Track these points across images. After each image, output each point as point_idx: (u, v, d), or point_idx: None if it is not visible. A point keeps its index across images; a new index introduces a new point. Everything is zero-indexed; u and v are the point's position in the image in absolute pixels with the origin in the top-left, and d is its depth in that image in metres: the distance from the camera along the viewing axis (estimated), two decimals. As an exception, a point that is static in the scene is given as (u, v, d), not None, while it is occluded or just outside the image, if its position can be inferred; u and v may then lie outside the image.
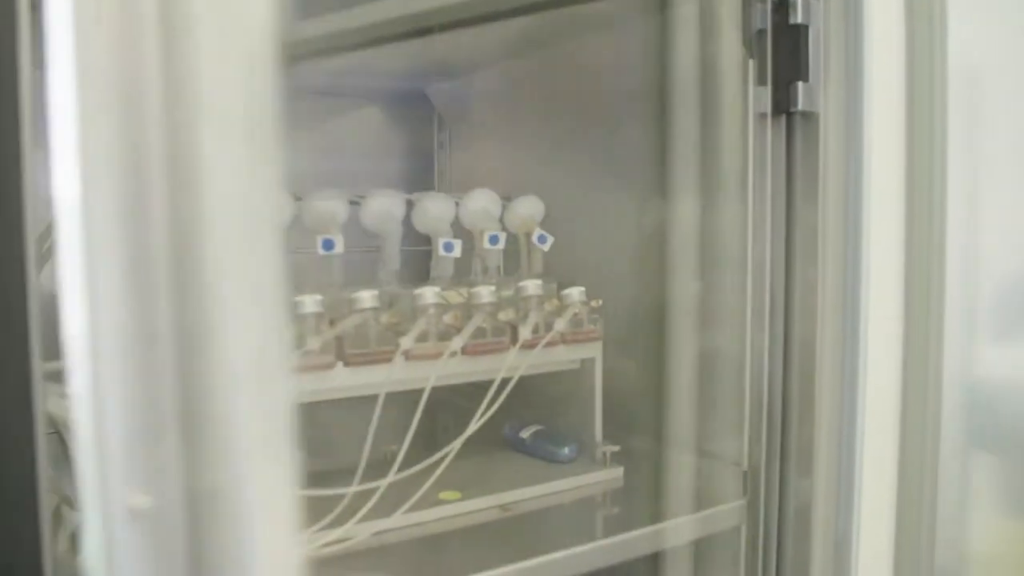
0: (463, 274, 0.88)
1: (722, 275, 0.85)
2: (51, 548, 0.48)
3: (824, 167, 0.76)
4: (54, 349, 0.77)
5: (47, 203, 0.41)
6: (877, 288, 0.75)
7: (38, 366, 0.47)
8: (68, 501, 0.70)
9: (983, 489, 0.84)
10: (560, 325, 0.83)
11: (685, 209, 0.90)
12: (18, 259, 0.46)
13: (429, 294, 0.77)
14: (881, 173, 0.74)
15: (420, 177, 1.37)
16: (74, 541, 0.71)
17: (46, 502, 0.48)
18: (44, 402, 0.48)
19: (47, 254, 0.76)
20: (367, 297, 0.74)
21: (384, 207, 0.82)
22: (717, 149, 0.84)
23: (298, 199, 0.78)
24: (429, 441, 0.76)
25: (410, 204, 0.85)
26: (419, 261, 1.06)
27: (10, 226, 0.45)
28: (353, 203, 0.82)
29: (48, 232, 0.75)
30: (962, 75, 0.77)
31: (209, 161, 0.41)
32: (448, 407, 1.19)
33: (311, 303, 0.71)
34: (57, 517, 0.73)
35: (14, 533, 0.46)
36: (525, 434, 0.94)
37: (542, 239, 0.89)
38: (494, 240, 0.85)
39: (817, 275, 0.77)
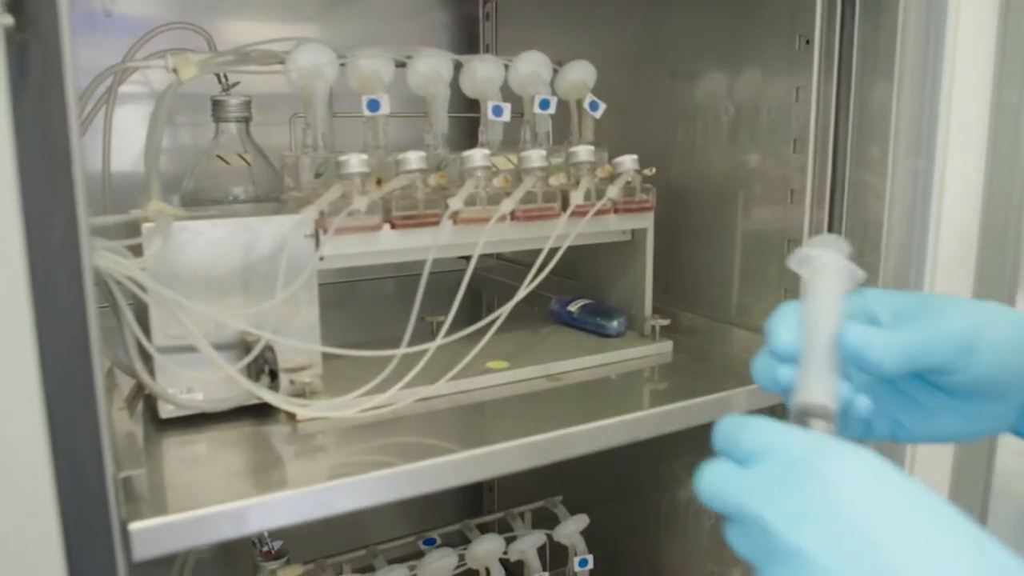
0: (512, 142, 0.85)
1: (782, 150, 0.81)
2: (107, 411, 0.49)
3: (902, 36, 0.71)
4: (100, 203, 0.76)
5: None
6: (953, 175, 0.70)
7: (85, 219, 0.46)
8: (120, 365, 0.71)
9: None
10: (612, 192, 0.81)
11: (744, 80, 0.86)
12: (61, 115, 0.44)
13: (478, 156, 0.75)
14: (968, 47, 0.69)
15: (465, 51, 1.33)
16: (129, 403, 0.72)
17: (99, 362, 0.48)
18: (91, 255, 0.48)
19: (91, 115, 0.75)
20: (414, 158, 0.72)
21: (432, 67, 0.78)
22: (779, 14, 0.80)
23: (342, 58, 0.75)
24: (476, 317, 0.75)
25: (458, 65, 0.81)
26: (466, 129, 1.03)
27: (51, 83, 0.43)
28: (399, 65, 0.79)
29: (88, 92, 0.73)
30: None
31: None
32: (495, 285, 1.18)
33: (357, 162, 0.69)
34: (110, 379, 0.74)
35: (69, 394, 0.46)
36: (573, 308, 0.93)
37: (594, 106, 0.85)
38: (545, 104, 0.81)
39: (888, 154, 0.72)
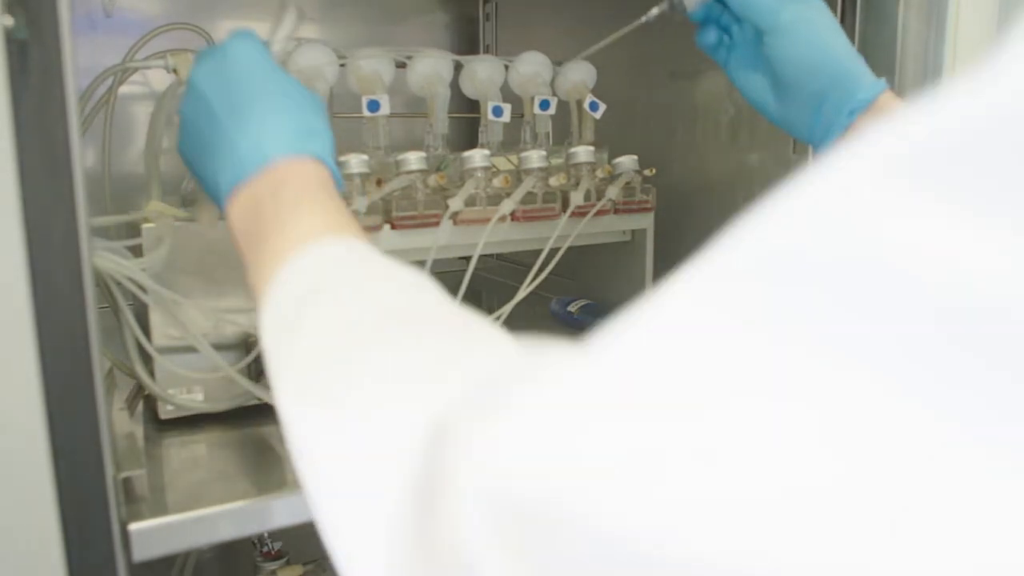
0: (512, 143, 0.85)
1: (782, 150, 0.81)
2: (107, 412, 0.49)
3: (902, 36, 0.71)
4: (101, 204, 0.77)
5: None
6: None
7: (85, 219, 0.46)
8: (120, 365, 0.71)
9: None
10: (612, 193, 0.81)
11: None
12: (61, 115, 0.44)
13: (478, 156, 0.75)
14: (968, 47, 0.69)
15: (465, 51, 1.33)
16: (129, 404, 0.72)
17: (99, 363, 0.48)
18: (91, 256, 0.48)
19: (91, 115, 0.75)
20: (414, 159, 0.72)
21: (432, 68, 0.78)
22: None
23: (343, 59, 0.75)
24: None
25: (458, 66, 0.81)
26: (466, 130, 1.03)
27: (52, 84, 0.43)
28: (400, 65, 0.79)
29: (88, 93, 0.73)
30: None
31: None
32: (495, 285, 1.18)
33: (357, 162, 0.69)
34: (110, 380, 0.74)
35: (69, 395, 0.46)
36: (573, 308, 0.93)
37: (594, 106, 0.85)
38: (545, 105, 0.81)
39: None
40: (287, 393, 0.36)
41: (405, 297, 0.38)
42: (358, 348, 0.34)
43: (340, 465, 0.32)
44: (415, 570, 0.27)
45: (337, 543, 0.31)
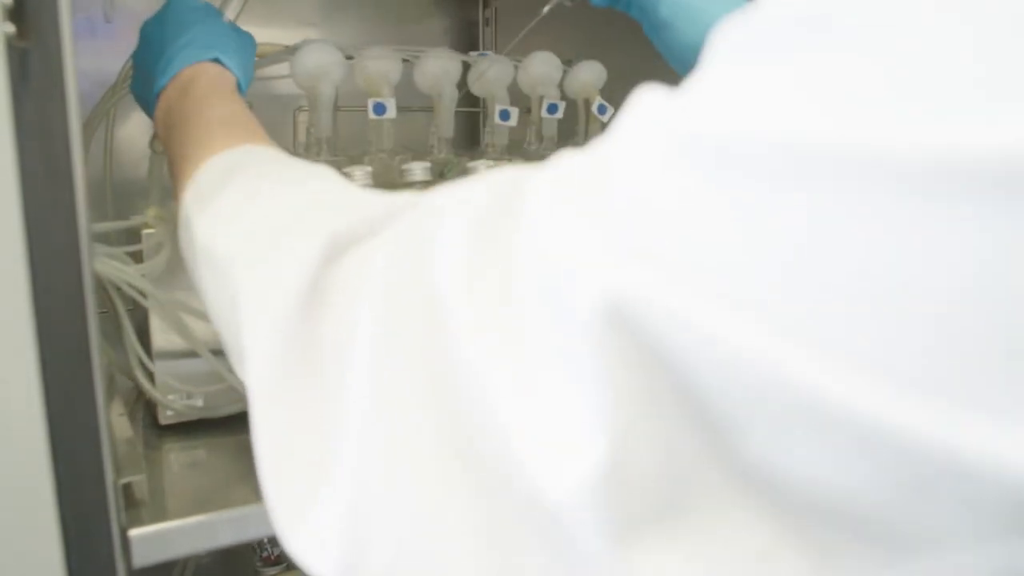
0: (516, 141, 0.85)
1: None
2: (107, 417, 0.48)
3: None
4: (101, 210, 0.76)
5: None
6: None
7: (86, 225, 0.46)
8: (121, 369, 0.71)
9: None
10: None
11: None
12: (62, 121, 0.44)
13: (483, 168, 0.75)
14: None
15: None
16: (129, 409, 0.72)
17: (99, 368, 0.47)
18: (91, 261, 0.47)
19: (93, 120, 0.75)
20: (419, 170, 0.71)
21: (441, 68, 0.78)
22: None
23: (349, 58, 0.75)
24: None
25: (466, 66, 0.81)
26: (469, 125, 1.03)
27: (53, 90, 0.43)
28: (407, 61, 0.78)
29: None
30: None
31: None
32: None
33: (361, 174, 0.69)
34: (111, 385, 0.74)
35: (69, 400, 0.46)
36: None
37: (602, 109, 0.84)
38: (552, 109, 0.81)
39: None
40: (202, 225, 0.42)
41: (308, 175, 0.44)
42: (267, 197, 0.41)
43: (246, 273, 0.37)
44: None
45: (241, 331, 0.35)
